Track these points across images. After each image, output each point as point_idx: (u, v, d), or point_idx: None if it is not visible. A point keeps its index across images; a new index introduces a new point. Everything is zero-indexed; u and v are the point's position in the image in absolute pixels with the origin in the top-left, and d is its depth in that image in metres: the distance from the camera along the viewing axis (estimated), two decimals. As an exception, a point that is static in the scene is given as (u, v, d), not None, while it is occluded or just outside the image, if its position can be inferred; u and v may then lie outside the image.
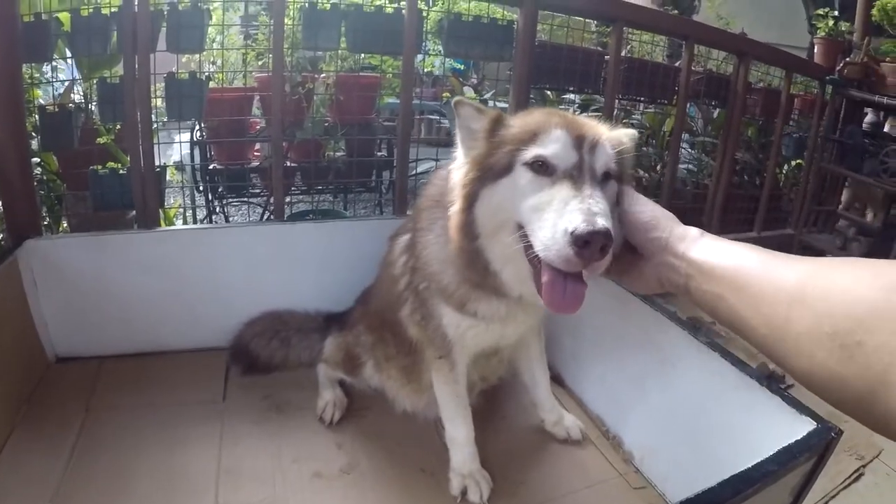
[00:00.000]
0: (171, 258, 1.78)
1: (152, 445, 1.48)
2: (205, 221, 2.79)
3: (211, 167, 2.82)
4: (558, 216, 0.86)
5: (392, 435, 1.57)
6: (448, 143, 1.18)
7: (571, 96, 3.11)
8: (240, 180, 2.83)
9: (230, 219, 3.15)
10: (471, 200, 1.02)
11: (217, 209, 2.96)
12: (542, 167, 0.94)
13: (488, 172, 1.00)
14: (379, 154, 3.07)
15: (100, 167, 1.87)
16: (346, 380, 1.70)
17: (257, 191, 2.99)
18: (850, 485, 1.72)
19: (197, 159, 2.81)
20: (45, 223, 2.25)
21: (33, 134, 1.99)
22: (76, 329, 1.76)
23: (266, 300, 1.85)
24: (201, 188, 2.87)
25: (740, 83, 2.60)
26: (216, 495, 1.34)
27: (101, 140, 2.14)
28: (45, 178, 2.37)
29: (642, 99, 2.72)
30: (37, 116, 1.93)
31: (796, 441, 0.99)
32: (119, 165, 1.94)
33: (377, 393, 1.64)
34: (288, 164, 2.65)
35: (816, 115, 3.28)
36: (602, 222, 0.83)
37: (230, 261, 1.83)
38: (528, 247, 0.93)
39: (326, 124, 2.53)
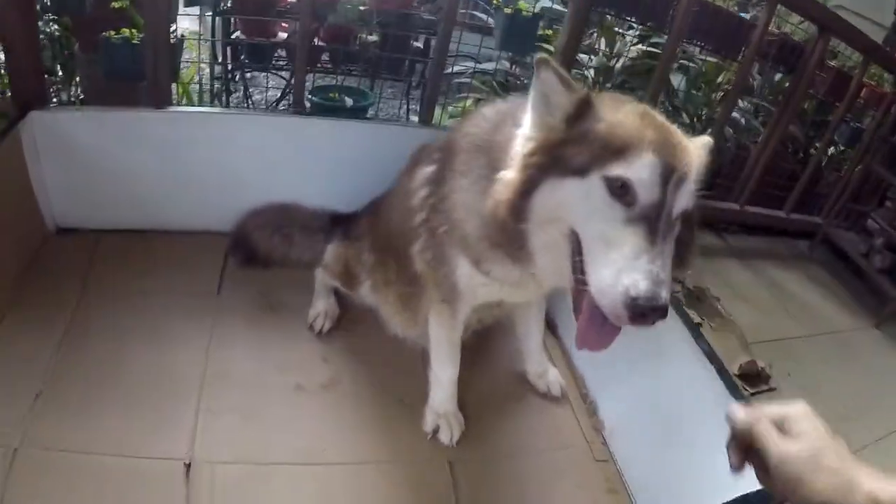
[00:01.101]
0: (180, 139, 1.73)
1: (142, 337, 1.51)
2: (222, 93, 2.68)
3: (234, 36, 2.64)
4: (624, 268, 0.82)
5: (378, 356, 1.60)
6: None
7: (631, 33, 2.86)
8: (264, 54, 2.65)
9: (250, 94, 3.00)
10: (531, 186, 0.93)
11: (237, 77, 2.83)
12: (622, 190, 0.86)
13: (559, 163, 0.91)
14: (415, 45, 2.90)
15: (113, 33, 1.75)
16: (341, 290, 1.71)
17: (282, 63, 2.84)
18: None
19: (219, 34, 2.63)
20: (57, 80, 2.17)
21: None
22: (78, 201, 1.75)
23: (274, 192, 1.82)
24: (221, 59, 2.72)
25: (816, 57, 2.39)
26: (199, 399, 1.38)
27: (116, 4, 1.98)
28: (58, 34, 2.21)
29: (705, 46, 2.54)
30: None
31: (757, 491, 0.95)
32: (133, 34, 1.81)
33: (371, 310, 1.64)
34: (316, 41, 2.51)
35: (881, 112, 3.02)
36: (664, 296, 0.80)
37: (241, 148, 1.78)
38: (579, 266, 0.89)
39: (363, 8, 2.35)
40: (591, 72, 2.54)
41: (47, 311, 1.52)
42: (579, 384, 1.66)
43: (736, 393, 1.19)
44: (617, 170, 0.86)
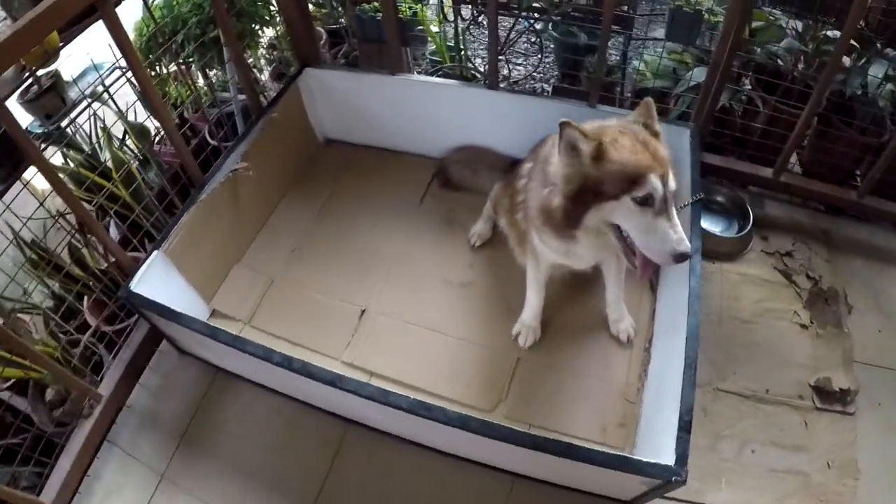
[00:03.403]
0: (404, 95, 2.41)
1: (364, 224, 2.37)
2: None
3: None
4: (666, 239, 1.34)
5: (505, 273, 2.16)
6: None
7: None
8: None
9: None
10: (583, 211, 1.41)
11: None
12: (644, 200, 1.33)
13: (600, 194, 1.36)
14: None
15: (365, 6, 2.37)
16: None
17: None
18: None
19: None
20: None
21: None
22: (338, 123, 2.62)
23: (473, 136, 2.43)
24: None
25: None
26: (385, 272, 2.23)
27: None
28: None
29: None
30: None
31: (635, 459, 1.38)
32: (377, 8, 2.38)
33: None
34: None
35: None
36: (687, 244, 1.33)
37: (447, 104, 2.37)
38: (623, 239, 1.43)
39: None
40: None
41: (312, 194, 2.49)
42: (648, 336, 2.00)
43: (688, 394, 1.49)
44: (639, 192, 1.32)
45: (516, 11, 2.44)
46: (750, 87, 2.37)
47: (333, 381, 1.53)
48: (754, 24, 2.28)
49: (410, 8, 2.57)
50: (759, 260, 2.29)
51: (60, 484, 1.78)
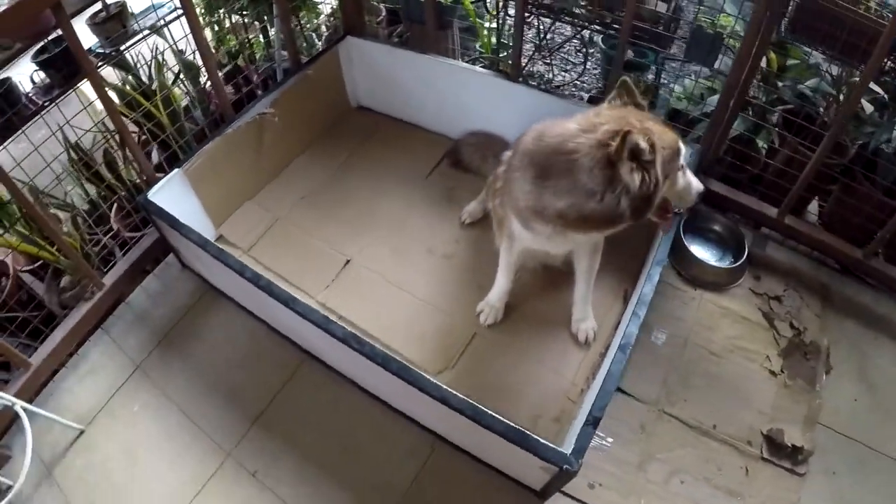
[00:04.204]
0: (432, 74, 2.51)
1: (374, 186, 2.52)
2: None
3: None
4: (691, 186, 1.58)
5: (486, 254, 2.18)
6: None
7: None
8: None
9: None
10: (653, 200, 1.45)
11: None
12: (680, 167, 1.53)
13: (663, 181, 1.45)
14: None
15: None
16: (487, 201, 2.30)
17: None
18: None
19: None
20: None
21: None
22: (371, 92, 2.75)
23: (490, 123, 2.48)
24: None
25: None
26: (382, 232, 2.35)
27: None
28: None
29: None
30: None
31: (532, 437, 1.41)
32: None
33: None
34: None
35: None
36: (700, 184, 1.60)
37: (470, 89, 2.47)
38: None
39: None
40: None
41: (333, 153, 2.64)
42: (605, 345, 1.98)
43: (613, 378, 1.54)
44: (679, 163, 1.52)
45: (553, 14, 2.49)
46: (775, 124, 2.32)
47: (287, 301, 1.67)
48: (788, 62, 2.26)
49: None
50: (745, 297, 2.21)
51: (49, 351, 1.99)
